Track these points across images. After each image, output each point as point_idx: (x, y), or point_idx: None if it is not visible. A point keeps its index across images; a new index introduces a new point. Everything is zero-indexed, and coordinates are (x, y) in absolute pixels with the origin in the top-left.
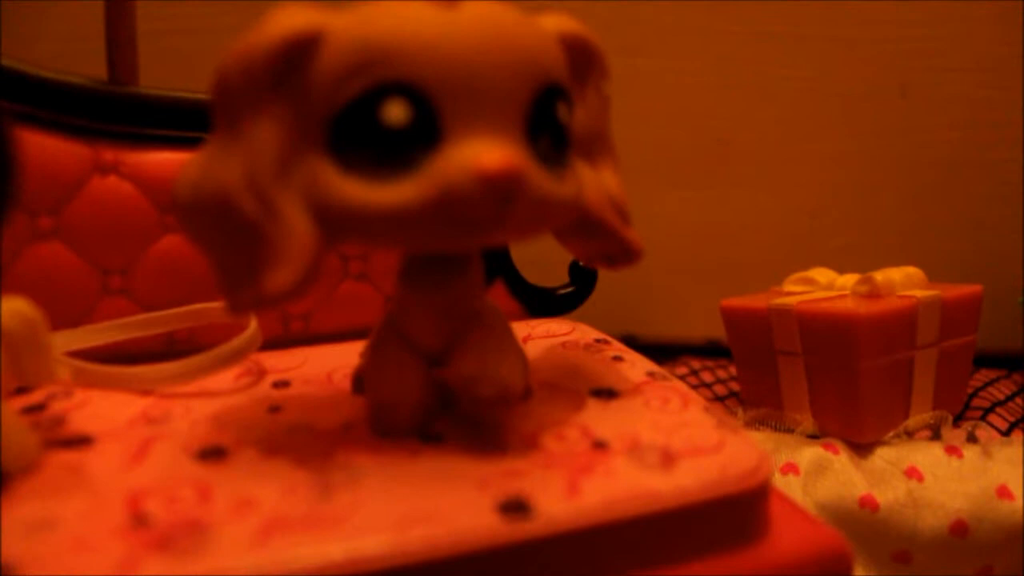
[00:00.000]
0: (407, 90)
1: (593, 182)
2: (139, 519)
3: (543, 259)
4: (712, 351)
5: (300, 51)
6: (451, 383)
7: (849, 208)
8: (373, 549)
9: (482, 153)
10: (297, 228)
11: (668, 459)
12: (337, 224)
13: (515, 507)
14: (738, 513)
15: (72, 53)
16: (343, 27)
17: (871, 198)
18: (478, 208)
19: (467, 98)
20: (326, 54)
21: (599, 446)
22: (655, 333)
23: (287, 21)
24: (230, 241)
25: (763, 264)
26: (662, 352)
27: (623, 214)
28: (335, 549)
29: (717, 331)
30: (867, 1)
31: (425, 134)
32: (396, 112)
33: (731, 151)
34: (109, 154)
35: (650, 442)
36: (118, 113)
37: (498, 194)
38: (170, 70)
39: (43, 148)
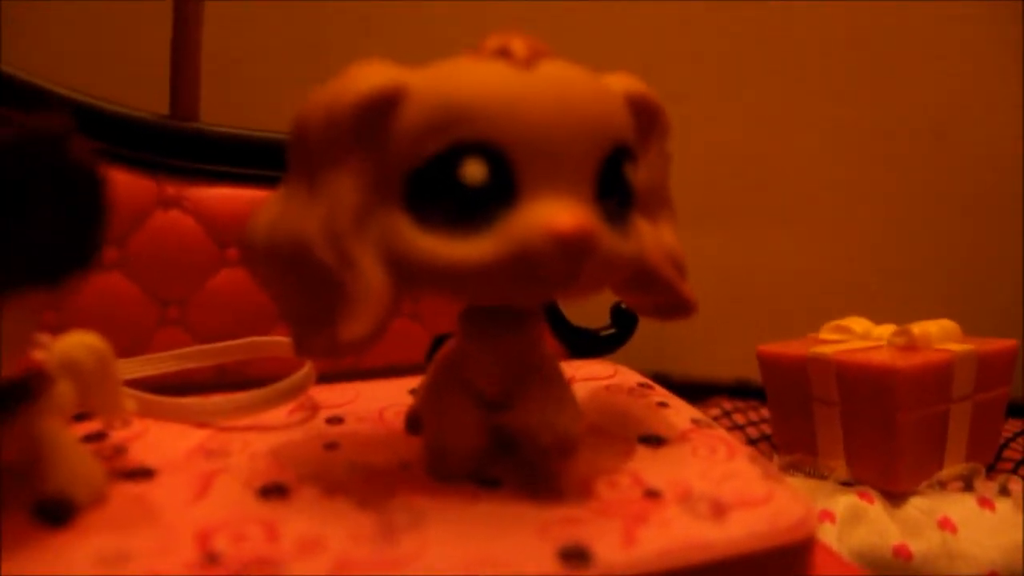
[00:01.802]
0: (486, 150)
1: (652, 237)
2: (210, 556)
3: (584, 301)
4: (743, 392)
5: (383, 107)
6: (512, 430)
7: (885, 253)
8: None
9: (557, 214)
10: (373, 279)
11: (719, 510)
12: (412, 276)
13: (575, 555)
14: (786, 563)
15: (132, 87)
16: (424, 85)
17: (907, 244)
18: (551, 267)
19: (543, 159)
20: (407, 112)
21: (651, 495)
22: (686, 371)
23: (371, 77)
24: (304, 287)
25: (796, 306)
26: (694, 391)
27: (680, 268)
28: None
29: (747, 371)
30: (903, 47)
31: (501, 193)
32: (475, 171)
33: (767, 195)
34: (172, 188)
35: (701, 492)
36: (182, 148)
37: (571, 254)
38: (229, 104)
39: (111, 195)
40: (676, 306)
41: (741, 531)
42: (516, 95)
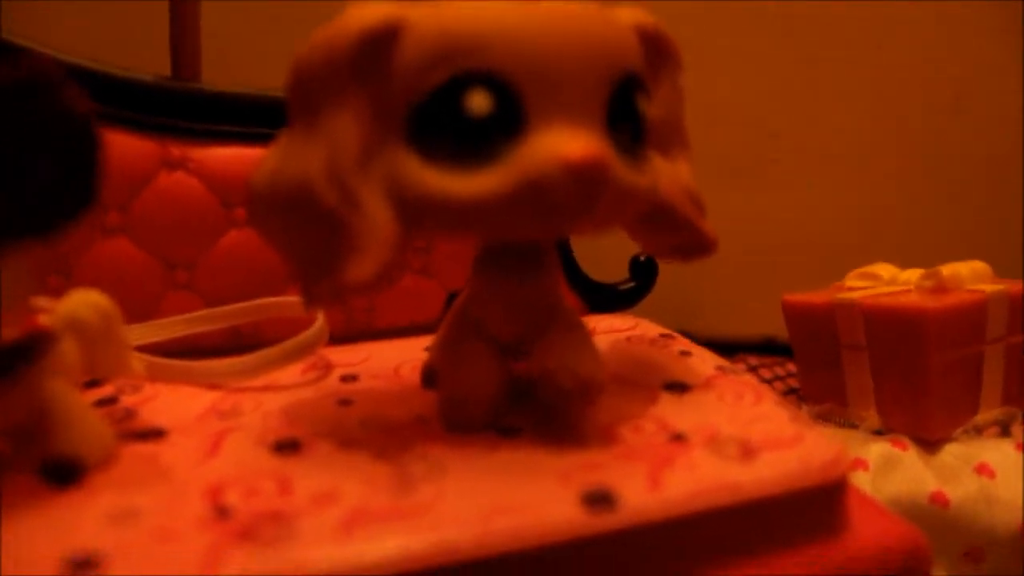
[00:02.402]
0: (490, 80)
1: (668, 173)
2: (221, 510)
3: (601, 255)
4: (769, 348)
5: (381, 42)
6: (531, 376)
7: (908, 203)
8: (459, 540)
9: (567, 143)
10: (378, 218)
11: (747, 451)
12: (419, 214)
13: (599, 499)
14: (818, 506)
15: (133, 49)
16: (424, 18)
17: (931, 192)
18: (564, 197)
19: (550, 88)
20: (407, 45)
21: (677, 438)
22: (711, 330)
23: (368, 13)
24: (308, 232)
25: (820, 260)
26: (718, 349)
27: (698, 205)
28: (420, 540)
29: (773, 328)
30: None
31: (508, 124)
32: (479, 102)
33: (784, 146)
34: (176, 150)
35: (728, 435)
36: (185, 109)
37: (584, 183)
38: (231, 63)
39: (111, 144)
40: (696, 245)
41: (771, 472)
42: (518, 22)
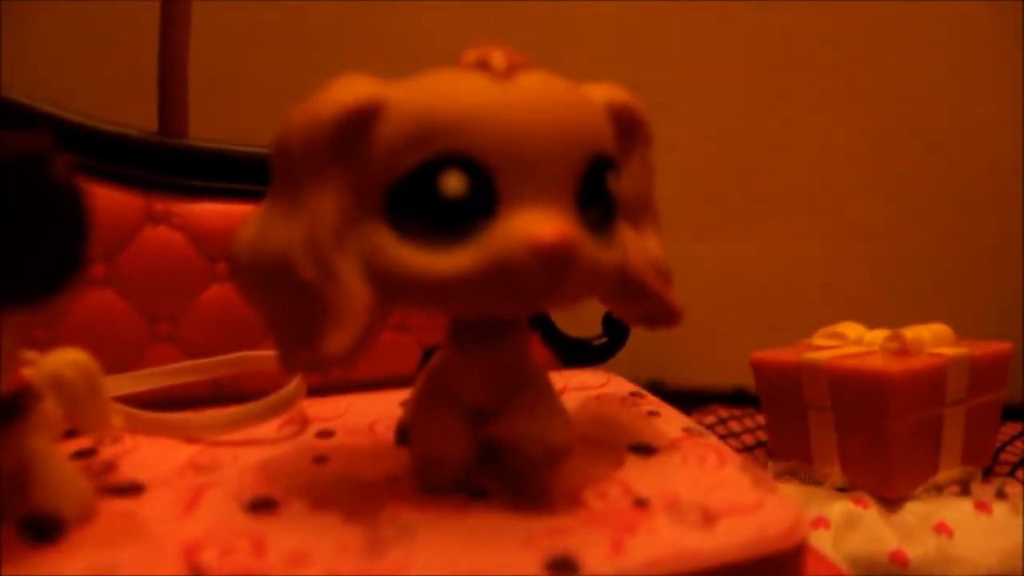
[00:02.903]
0: (465, 162)
1: (637, 246)
2: (196, 570)
3: (576, 310)
4: (740, 399)
5: (361, 121)
6: (500, 441)
7: (880, 259)
8: None
9: (537, 225)
10: (354, 292)
11: (708, 518)
12: (394, 289)
13: (562, 565)
14: (776, 572)
15: (121, 104)
16: (403, 99)
17: (901, 249)
18: (533, 278)
19: (523, 170)
20: (386, 125)
21: (640, 504)
22: (683, 379)
23: (349, 92)
24: (287, 303)
25: (791, 313)
26: (690, 399)
27: (665, 277)
28: None
29: (745, 379)
30: (899, 52)
31: (481, 204)
32: (454, 183)
33: (759, 202)
34: (160, 204)
35: (689, 500)
36: (170, 165)
37: (552, 265)
38: (218, 119)
39: (98, 197)
40: (663, 314)
41: (730, 539)
42: (494, 106)
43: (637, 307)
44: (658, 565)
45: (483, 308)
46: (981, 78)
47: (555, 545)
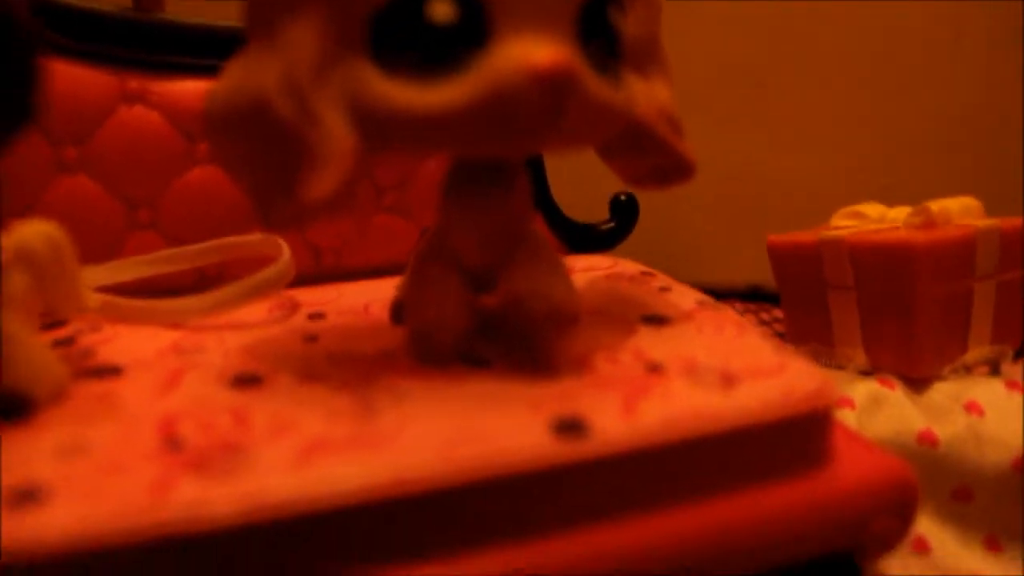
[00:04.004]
0: None
1: (645, 93)
2: (172, 442)
3: (581, 194)
4: (754, 295)
5: None
6: (501, 303)
7: (895, 144)
8: (421, 468)
9: (533, 50)
10: (336, 132)
11: (728, 380)
12: (381, 128)
13: (570, 426)
14: (802, 437)
15: None
16: None
17: (917, 135)
18: (530, 106)
19: None
20: None
21: (654, 368)
22: (694, 276)
23: None
24: (266, 150)
25: (806, 205)
26: None
27: (676, 126)
28: (381, 468)
29: (758, 275)
30: None
31: (472, 33)
32: (442, 9)
33: (770, 91)
34: (135, 83)
35: (707, 364)
36: (145, 41)
37: (550, 91)
38: None
39: (68, 77)
40: (674, 167)
41: (751, 401)
42: None
43: (645, 161)
44: (674, 426)
45: (478, 145)
46: None
47: (562, 408)
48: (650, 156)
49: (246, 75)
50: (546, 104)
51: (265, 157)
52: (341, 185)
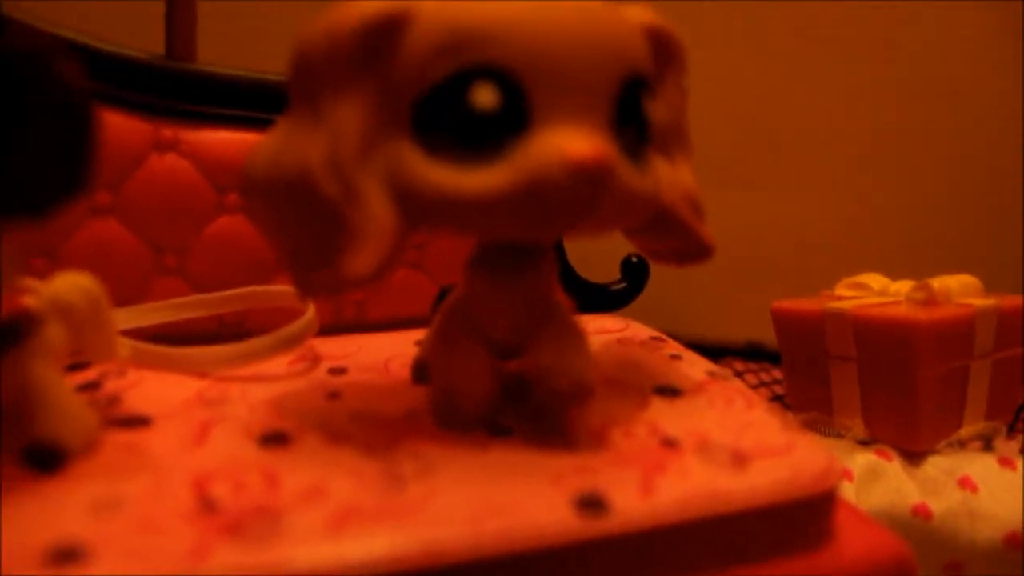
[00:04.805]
0: (496, 74)
1: (669, 177)
2: (207, 503)
3: (593, 255)
4: (754, 353)
5: (388, 31)
6: (524, 376)
7: (900, 214)
8: (449, 541)
9: (572, 141)
10: (378, 212)
11: (739, 459)
12: (421, 209)
13: (591, 503)
14: (808, 516)
15: (127, 26)
16: (432, 8)
17: (922, 203)
18: (567, 196)
19: (557, 85)
20: (414, 35)
21: (669, 444)
22: (697, 334)
23: (372, 1)
24: (305, 222)
25: (809, 268)
26: (704, 353)
27: (698, 210)
28: (410, 540)
29: (758, 333)
30: (918, 2)
31: (513, 121)
32: (485, 96)
33: (780, 153)
34: (168, 131)
35: (720, 442)
36: (179, 90)
37: (587, 183)
38: (227, 44)
39: (103, 123)
40: (694, 250)
41: (763, 481)
42: (528, 17)
43: (667, 242)
44: (690, 505)
45: (514, 230)
46: (996, 26)
47: (583, 483)
48: (672, 238)
49: (289, 145)
50: (582, 194)
51: (304, 228)
52: (381, 262)
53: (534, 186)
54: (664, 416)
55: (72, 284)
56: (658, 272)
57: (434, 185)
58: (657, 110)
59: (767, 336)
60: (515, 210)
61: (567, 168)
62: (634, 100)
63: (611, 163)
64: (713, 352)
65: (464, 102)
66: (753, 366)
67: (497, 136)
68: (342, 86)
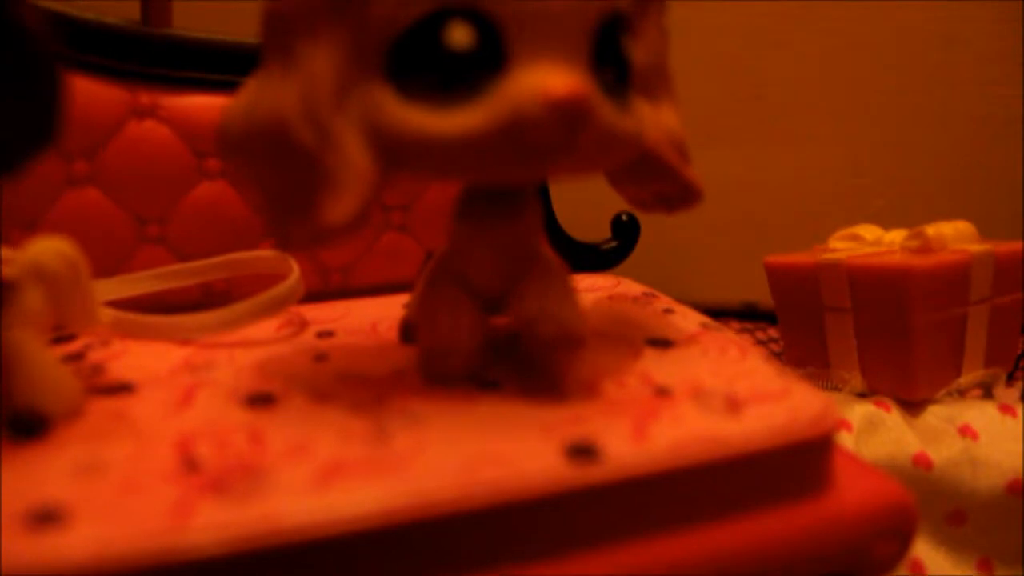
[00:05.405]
0: (471, 14)
1: (652, 119)
2: (190, 463)
3: (583, 214)
4: (750, 314)
5: None
6: (511, 325)
7: (891, 165)
8: (439, 492)
9: (550, 78)
10: (355, 157)
11: (734, 405)
12: (398, 153)
13: (582, 451)
14: (805, 461)
15: None
16: None
17: (914, 154)
18: (546, 133)
19: (533, 23)
20: None
21: (662, 392)
22: (691, 295)
23: None
24: (283, 172)
25: (802, 224)
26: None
27: (683, 152)
28: (398, 492)
29: (753, 294)
30: None
31: (489, 60)
32: (460, 35)
33: (768, 107)
34: (146, 97)
35: (713, 388)
36: (156, 56)
37: (566, 118)
38: (201, 12)
39: (79, 90)
40: (680, 194)
41: (758, 425)
42: None
43: (652, 186)
44: (684, 451)
45: (493, 171)
46: None
47: (574, 432)
48: (657, 182)
49: (263, 96)
50: (561, 131)
51: (282, 179)
52: (359, 209)
53: (512, 124)
54: (657, 366)
55: (49, 249)
56: (651, 234)
57: (412, 127)
58: (637, 50)
59: (763, 297)
60: (494, 149)
61: (545, 104)
62: (613, 39)
63: (589, 98)
64: (709, 313)
65: (439, 42)
66: (749, 326)
67: (473, 76)
68: (315, 32)
